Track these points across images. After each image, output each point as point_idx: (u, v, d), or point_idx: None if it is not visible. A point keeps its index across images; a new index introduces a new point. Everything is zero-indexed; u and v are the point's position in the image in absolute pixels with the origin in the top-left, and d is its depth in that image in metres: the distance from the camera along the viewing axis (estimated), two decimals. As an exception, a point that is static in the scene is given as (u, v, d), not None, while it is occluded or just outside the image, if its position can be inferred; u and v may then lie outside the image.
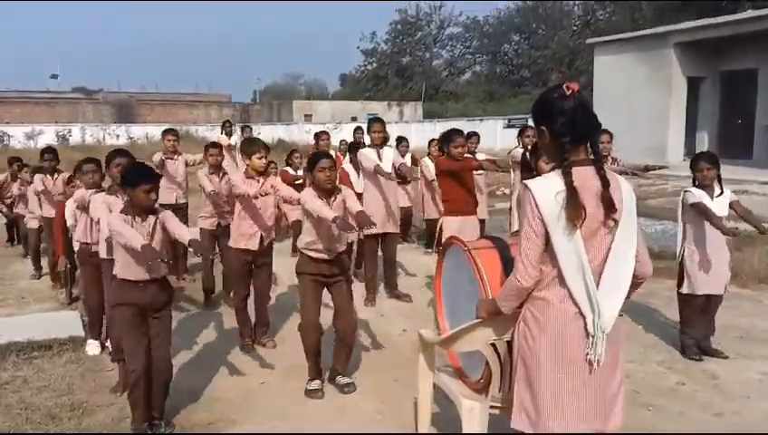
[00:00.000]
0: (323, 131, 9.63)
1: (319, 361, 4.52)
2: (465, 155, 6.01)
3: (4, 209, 9.65)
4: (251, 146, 5.34)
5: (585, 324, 2.37)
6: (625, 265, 2.41)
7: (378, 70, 53.49)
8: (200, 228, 6.61)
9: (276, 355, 5.26)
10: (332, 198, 4.43)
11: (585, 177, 2.36)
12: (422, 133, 34.24)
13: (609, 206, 2.35)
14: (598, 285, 2.36)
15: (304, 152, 9.21)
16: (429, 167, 8.99)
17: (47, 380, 4.69)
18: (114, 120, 40.08)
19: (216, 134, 33.06)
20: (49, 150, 7.46)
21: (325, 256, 4.42)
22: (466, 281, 3.04)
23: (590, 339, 2.36)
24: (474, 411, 2.91)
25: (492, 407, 2.92)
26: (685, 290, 5.01)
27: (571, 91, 2.38)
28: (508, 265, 2.86)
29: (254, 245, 5.26)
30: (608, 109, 17.17)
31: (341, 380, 4.56)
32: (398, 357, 5.10)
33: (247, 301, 5.43)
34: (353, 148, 8.09)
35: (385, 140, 6.80)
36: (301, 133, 36.19)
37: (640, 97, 17.96)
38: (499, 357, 2.78)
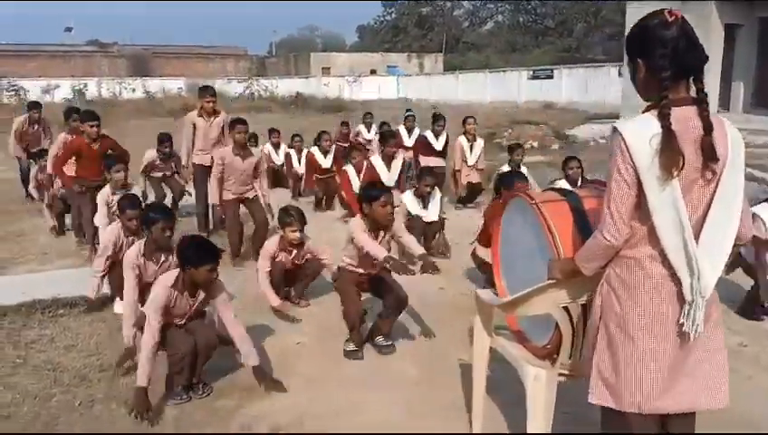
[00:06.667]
0: (275, 129, 11.03)
1: (360, 325, 4.32)
2: None
3: (23, 157, 9.50)
4: (285, 217, 5.09)
5: (680, 289, 2.08)
6: (728, 222, 2.09)
7: (397, 20, 52.23)
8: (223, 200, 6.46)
9: (311, 314, 5.05)
10: (382, 234, 4.22)
11: (685, 118, 2.04)
12: (444, 87, 33.58)
13: (709, 153, 2.03)
14: (697, 244, 2.06)
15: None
16: (464, 146, 8.95)
17: (74, 339, 4.52)
18: (129, 73, 39.65)
19: (233, 88, 32.82)
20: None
21: (365, 272, 4.34)
22: (531, 238, 2.75)
23: (687, 306, 2.07)
24: (540, 379, 2.65)
25: (559, 374, 2.66)
26: None
27: (673, 18, 2.05)
28: (580, 220, 2.56)
29: None
30: (639, 58, 16.49)
31: (380, 340, 4.34)
32: (437, 317, 4.86)
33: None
34: (385, 137, 8.20)
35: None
36: (319, 87, 35.60)
37: (674, 46, 17.20)
38: (572, 321, 2.50)
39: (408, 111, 9.79)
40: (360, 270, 4.31)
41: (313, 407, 3.61)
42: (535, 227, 2.67)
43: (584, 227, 2.53)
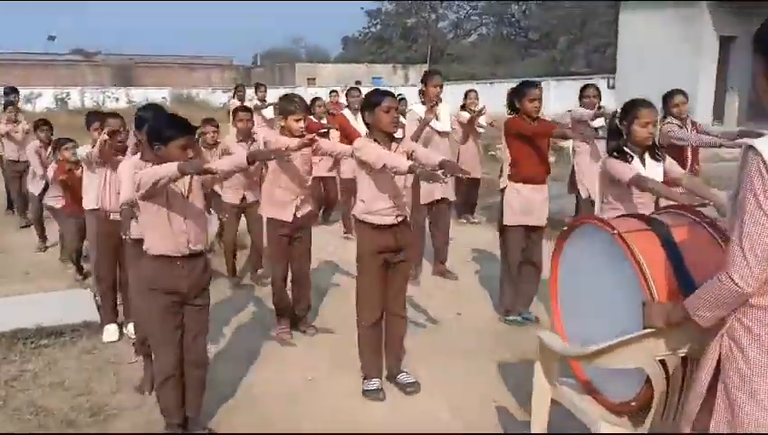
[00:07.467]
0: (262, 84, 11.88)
1: (380, 358, 3.88)
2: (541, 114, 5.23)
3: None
4: (288, 105, 4.55)
5: None
6: None
7: (382, 32, 51.98)
8: (223, 202, 5.88)
9: (320, 344, 4.60)
10: (394, 147, 3.64)
11: None
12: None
13: None
14: None
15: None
16: (465, 117, 7.97)
17: (60, 375, 4.06)
18: (113, 83, 38.89)
19: (218, 98, 32.25)
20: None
21: (390, 220, 3.67)
22: (606, 273, 2.36)
23: None
24: (620, 442, 2.25)
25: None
26: None
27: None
28: (673, 255, 2.18)
29: (288, 216, 4.53)
30: (633, 69, 16.48)
31: (403, 378, 3.91)
32: (459, 348, 4.45)
33: (287, 281, 4.74)
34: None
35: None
36: (305, 97, 35.16)
37: (668, 57, 17.02)
38: (667, 376, 2.10)
39: (398, 94, 9.20)
40: (382, 205, 3.65)
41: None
42: (615, 261, 2.27)
43: (678, 263, 2.15)
